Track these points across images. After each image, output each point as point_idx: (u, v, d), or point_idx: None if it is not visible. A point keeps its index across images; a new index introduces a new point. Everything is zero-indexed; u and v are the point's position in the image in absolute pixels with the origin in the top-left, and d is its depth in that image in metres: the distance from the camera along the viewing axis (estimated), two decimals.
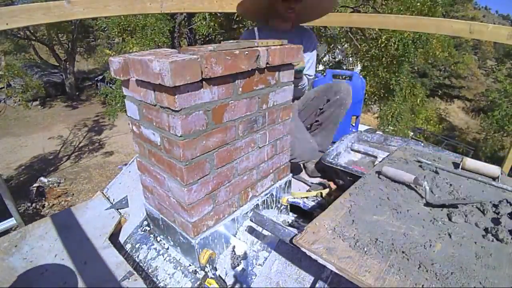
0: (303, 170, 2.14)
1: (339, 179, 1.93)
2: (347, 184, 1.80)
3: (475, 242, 0.98)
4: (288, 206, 1.65)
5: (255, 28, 1.97)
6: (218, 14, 6.93)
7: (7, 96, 15.22)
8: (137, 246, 1.47)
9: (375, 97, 9.22)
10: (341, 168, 1.77)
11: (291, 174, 1.66)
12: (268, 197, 1.52)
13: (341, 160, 2.07)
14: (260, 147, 1.37)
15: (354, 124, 2.71)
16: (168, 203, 1.24)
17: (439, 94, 22.61)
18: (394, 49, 7.33)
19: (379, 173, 1.34)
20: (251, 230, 1.39)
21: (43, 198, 8.30)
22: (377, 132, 2.86)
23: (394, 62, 7.83)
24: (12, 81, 15.35)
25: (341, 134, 2.34)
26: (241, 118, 1.21)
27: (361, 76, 2.54)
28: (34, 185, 8.64)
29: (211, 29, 7.27)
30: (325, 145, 2.11)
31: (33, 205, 8.06)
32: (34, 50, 16.53)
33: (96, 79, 19.62)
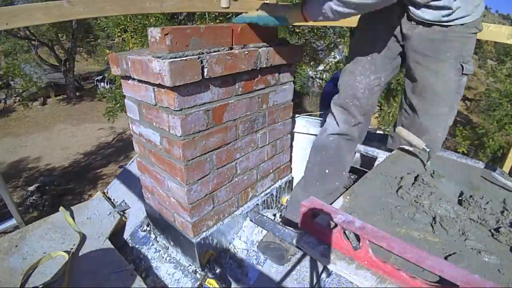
0: None
1: None
2: (349, 184, 1.80)
3: None
4: None
5: None
6: (218, 14, 6.93)
7: (6, 96, 15.25)
8: (137, 246, 1.47)
9: None
10: None
11: (291, 174, 1.66)
12: (268, 197, 1.51)
13: None
14: (260, 147, 1.36)
15: None
16: (168, 203, 1.24)
17: None
18: None
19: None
20: (251, 230, 1.38)
21: (44, 198, 8.31)
22: (378, 132, 2.86)
23: None
24: (12, 81, 15.39)
25: None
26: (241, 118, 1.21)
27: None
28: (34, 185, 8.64)
29: None
30: None
31: (33, 204, 8.06)
32: (35, 50, 16.55)
33: (96, 79, 19.64)
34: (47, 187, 8.71)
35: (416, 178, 1.23)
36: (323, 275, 1.09)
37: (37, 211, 7.85)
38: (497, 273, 0.83)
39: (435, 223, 1.08)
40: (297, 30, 7.13)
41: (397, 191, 1.30)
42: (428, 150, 1.30)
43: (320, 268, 1.11)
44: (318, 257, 1.07)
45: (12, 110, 15.89)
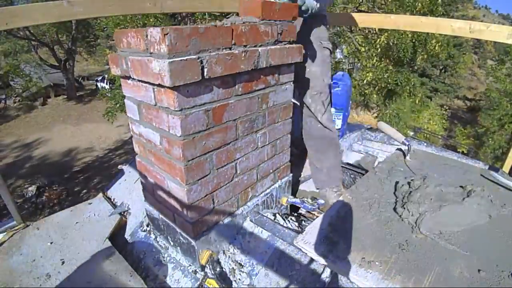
0: None
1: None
2: (349, 183, 1.80)
3: None
4: (288, 206, 1.65)
5: None
6: (218, 14, 6.93)
7: (6, 96, 15.25)
8: (137, 246, 1.47)
9: (375, 97, 9.22)
10: (343, 166, 1.77)
11: (291, 174, 1.66)
12: (268, 197, 1.51)
13: (343, 159, 2.07)
14: (260, 147, 1.36)
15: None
16: (168, 203, 1.24)
17: (439, 93, 22.65)
18: (394, 48, 7.34)
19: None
20: (251, 230, 1.38)
21: (43, 198, 8.31)
22: (377, 131, 2.85)
23: (394, 62, 7.84)
24: (12, 81, 15.40)
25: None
26: (241, 118, 1.20)
27: (347, 74, 2.47)
28: (34, 186, 8.64)
29: None
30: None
31: (33, 205, 8.06)
32: (35, 51, 16.55)
33: (96, 79, 19.65)
34: (47, 188, 8.71)
35: (409, 183, 1.24)
36: (323, 275, 1.09)
37: (37, 212, 7.85)
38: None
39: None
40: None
41: (394, 192, 1.30)
42: (407, 143, 1.42)
43: (321, 268, 1.11)
44: (318, 257, 1.07)
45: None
